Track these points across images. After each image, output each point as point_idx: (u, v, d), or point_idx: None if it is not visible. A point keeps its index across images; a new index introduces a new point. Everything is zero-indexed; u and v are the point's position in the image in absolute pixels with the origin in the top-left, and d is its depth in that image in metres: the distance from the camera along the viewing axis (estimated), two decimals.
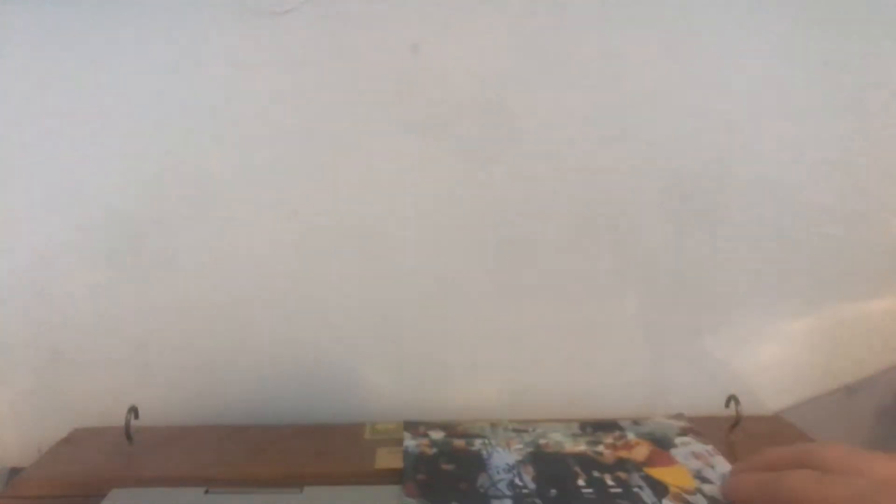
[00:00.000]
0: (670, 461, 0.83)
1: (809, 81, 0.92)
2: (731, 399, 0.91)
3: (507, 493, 0.75)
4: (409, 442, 0.88)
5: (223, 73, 0.89)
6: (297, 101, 0.90)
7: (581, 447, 0.87)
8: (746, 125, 0.92)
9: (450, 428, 0.92)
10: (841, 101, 0.92)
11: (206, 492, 0.78)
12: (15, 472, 0.87)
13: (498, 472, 0.80)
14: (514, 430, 0.92)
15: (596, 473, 0.80)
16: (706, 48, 0.90)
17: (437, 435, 0.90)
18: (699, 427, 0.92)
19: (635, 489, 0.76)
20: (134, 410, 0.88)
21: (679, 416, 0.97)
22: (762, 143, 0.93)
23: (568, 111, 0.92)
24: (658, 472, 0.80)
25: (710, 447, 0.87)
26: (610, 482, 0.78)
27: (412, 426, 0.93)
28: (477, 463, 0.82)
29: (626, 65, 0.90)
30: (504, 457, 0.84)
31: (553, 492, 0.76)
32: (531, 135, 0.92)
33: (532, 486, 0.77)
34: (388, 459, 0.85)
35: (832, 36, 0.90)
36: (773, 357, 1.01)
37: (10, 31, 0.87)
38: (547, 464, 0.82)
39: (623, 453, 0.85)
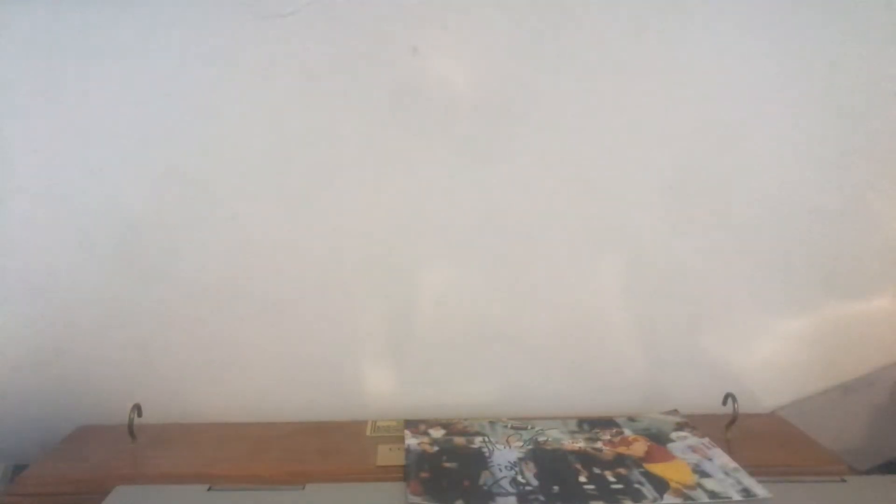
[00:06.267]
0: (669, 456, 0.85)
1: (808, 83, 0.93)
2: (729, 397, 0.92)
3: (511, 490, 0.76)
4: (411, 440, 0.88)
5: (225, 75, 0.89)
6: (298, 102, 0.90)
7: (580, 444, 0.88)
8: (746, 126, 0.93)
9: (449, 426, 0.93)
10: (839, 102, 0.93)
11: (209, 489, 0.78)
12: (19, 468, 0.87)
13: (500, 470, 0.81)
14: (513, 428, 0.93)
15: (597, 470, 0.81)
16: (706, 50, 0.91)
17: (438, 433, 0.91)
18: (697, 424, 0.93)
19: (636, 485, 0.77)
20: (137, 408, 0.88)
21: (674, 412, 0.99)
22: (761, 144, 0.94)
23: (567, 112, 0.92)
24: (657, 468, 0.81)
25: (705, 440, 0.88)
26: (611, 478, 0.79)
27: (413, 424, 0.94)
28: (479, 461, 0.83)
29: (625, 67, 0.91)
30: (505, 454, 0.85)
31: (555, 488, 0.77)
32: (531, 135, 0.93)
33: (534, 482, 0.78)
34: (389, 457, 0.86)
35: (831, 38, 0.91)
36: (770, 356, 1.02)
37: (12, 34, 0.87)
38: (548, 461, 0.83)
39: (622, 449, 0.86)
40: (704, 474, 0.80)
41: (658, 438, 0.89)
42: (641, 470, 0.81)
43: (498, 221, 0.95)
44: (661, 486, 0.77)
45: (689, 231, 0.96)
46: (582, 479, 0.79)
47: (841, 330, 1.01)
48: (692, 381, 1.01)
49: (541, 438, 0.89)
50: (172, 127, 0.91)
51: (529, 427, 0.93)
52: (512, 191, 0.94)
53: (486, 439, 0.89)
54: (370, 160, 0.93)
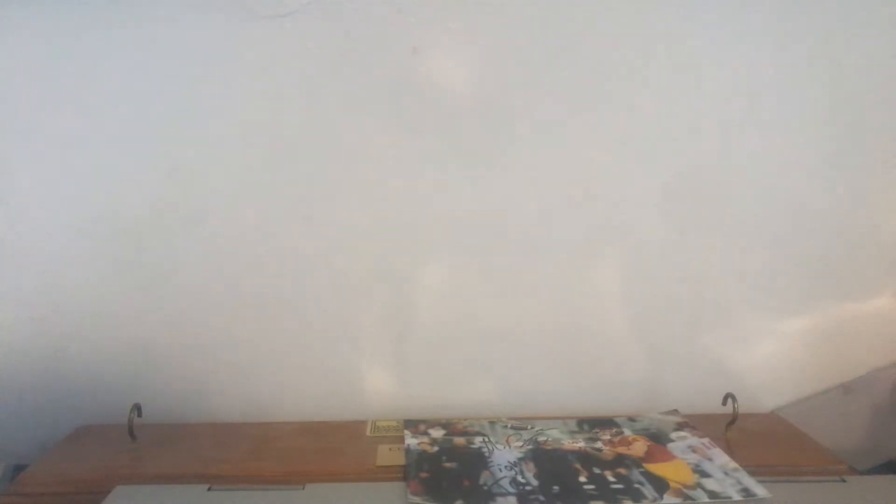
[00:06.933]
0: (669, 456, 0.85)
1: (807, 84, 0.93)
2: (729, 397, 0.92)
3: (511, 490, 0.76)
4: (410, 440, 0.88)
5: (225, 76, 0.89)
6: (298, 103, 0.90)
7: (580, 444, 0.88)
8: (744, 127, 0.93)
9: (449, 426, 0.93)
10: (837, 103, 0.93)
11: (209, 489, 0.78)
12: (20, 468, 0.87)
13: (500, 470, 0.81)
14: (513, 428, 0.93)
15: (597, 470, 0.81)
16: (705, 51, 0.91)
17: (438, 433, 0.91)
18: (697, 424, 0.93)
19: (636, 485, 0.77)
20: (137, 408, 0.88)
21: (674, 412, 0.99)
22: (760, 144, 0.94)
23: (566, 113, 0.92)
24: (658, 468, 0.81)
25: (706, 440, 0.88)
26: (611, 478, 0.79)
27: (413, 424, 0.94)
28: (478, 461, 0.83)
29: (624, 67, 0.91)
30: (505, 454, 0.85)
31: (555, 488, 0.77)
32: (530, 136, 0.93)
33: (534, 482, 0.78)
34: (389, 457, 0.86)
35: (829, 40, 0.91)
36: (770, 356, 1.02)
37: (12, 34, 0.87)
38: (548, 461, 0.83)
39: (622, 449, 0.86)
40: (704, 474, 0.80)
41: (658, 438, 0.90)
42: (641, 470, 0.81)
43: (498, 221, 0.95)
44: (661, 486, 0.77)
45: (688, 231, 0.96)
46: (582, 479, 0.79)
47: (841, 330, 1.01)
48: (692, 381, 1.02)
49: (541, 438, 0.89)
50: (172, 127, 0.90)
51: (529, 427, 0.93)
52: (512, 191, 0.94)
53: (486, 439, 0.89)
54: (370, 160, 0.93)
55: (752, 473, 0.79)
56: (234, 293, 0.96)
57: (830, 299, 1.00)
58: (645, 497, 0.75)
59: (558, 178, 0.94)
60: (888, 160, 0.95)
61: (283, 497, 0.77)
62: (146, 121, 0.90)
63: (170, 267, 0.94)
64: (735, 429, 0.92)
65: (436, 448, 0.86)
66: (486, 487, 0.77)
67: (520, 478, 0.79)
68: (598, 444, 0.88)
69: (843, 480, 0.80)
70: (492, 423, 0.94)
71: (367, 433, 0.93)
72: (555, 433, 0.91)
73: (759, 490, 0.76)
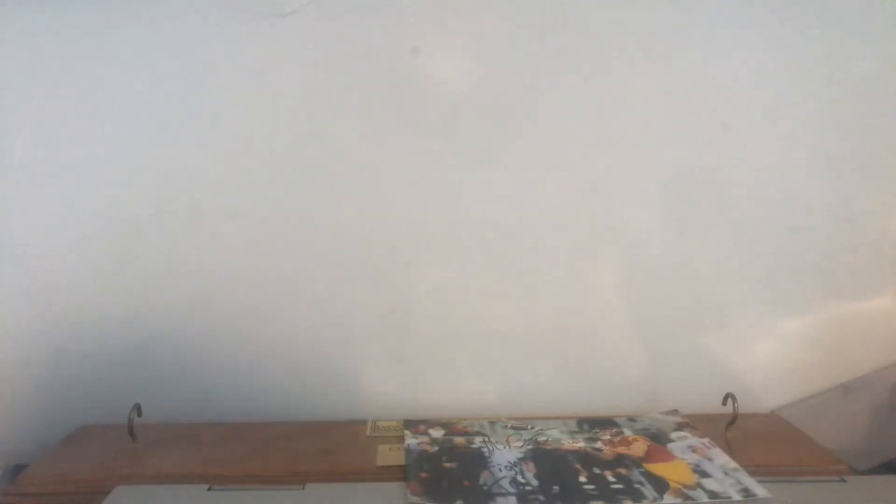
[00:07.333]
0: (669, 456, 0.85)
1: (807, 85, 0.93)
2: (729, 397, 0.92)
3: (511, 490, 0.76)
4: (410, 440, 0.88)
5: (225, 76, 0.89)
6: (299, 102, 0.90)
7: (580, 444, 0.88)
8: (744, 128, 0.93)
9: (449, 426, 0.93)
10: (837, 104, 0.93)
11: (209, 489, 0.78)
12: (19, 468, 0.87)
13: (500, 470, 0.81)
14: (513, 428, 0.93)
15: (597, 470, 0.81)
16: (705, 51, 0.91)
17: (438, 433, 0.91)
18: (697, 424, 0.93)
19: (636, 485, 0.77)
20: (137, 408, 0.88)
21: (674, 412, 0.99)
22: (760, 143, 0.94)
23: (567, 113, 0.92)
24: (658, 468, 0.81)
25: (706, 440, 0.88)
26: (611, 478, 0.79)
27: (412, 424, 0.94)
28: (478, 461, 0.83)
29: (625, 67, 0.91)
30: (505, 454, 0.85)
31: (555, 488, 0.77)
32: (531, 135, 0.93)
33: (534, 482, 0.78)
34: (389, 457, 0.86)
35: (829, 40, 0.91)
36: (770, 356, 1.02)
37: (12, 34, 0.87)
38: (548, 461, 0.83)
39: (622, 449, 0.86)
40: (704, 474, 0.80)
41: (658, 438, 0.90)
42: (641, 470, 0.81)
43: (498, 221, 0.95)
44: (661, 486, 0.77)
45: (688, 231, 0.96)
46: (582, 479, 0.79)
47: (841, 330, 1.01)
48: (692, 381, 1.01)
49: (541, 438, 0.89)
50: (172, 127, 0.90)
51: (529, 427, 0.93)
52: (512, 190, 0.94)
53: (486, 439, 0.89)
54: (370, 160, 0.93)
55: (752, 473, 0.79)
56: (234, 293, 0.96)
57: (830, 299, 1.00)
58: (645, 497, 0.75)
59: (558, 178, 0.94)
60: (888, 160, 0.95)
61: (283, 497, 0.76)
62: (146, 120, 0.90)
63: (170, 267, 0.94)
64: (735, 429, 0.92)
65: (436, 448, 0.86)
66: (486, 487, 0.77)
67: (520, 478, 0.79)
68: (598, 444, 0.88)
69: (843, 480, 0.80)
70: (492, 423, 0.94)
71: (367, 433, 0.93)
72: (555, 433, 0.91)
73: (759, 490, 0.76)
